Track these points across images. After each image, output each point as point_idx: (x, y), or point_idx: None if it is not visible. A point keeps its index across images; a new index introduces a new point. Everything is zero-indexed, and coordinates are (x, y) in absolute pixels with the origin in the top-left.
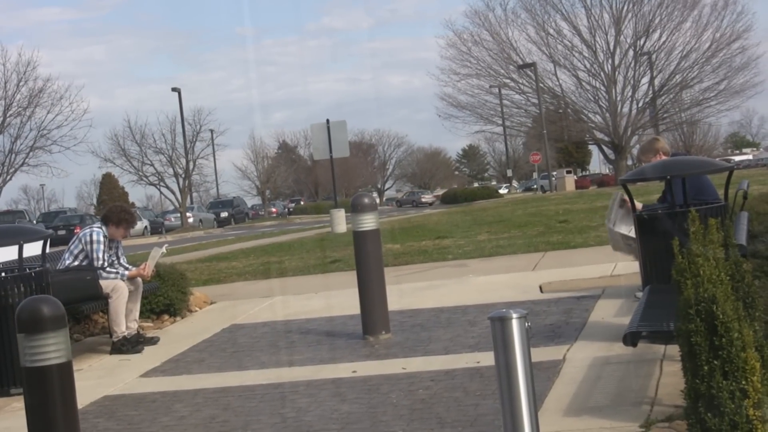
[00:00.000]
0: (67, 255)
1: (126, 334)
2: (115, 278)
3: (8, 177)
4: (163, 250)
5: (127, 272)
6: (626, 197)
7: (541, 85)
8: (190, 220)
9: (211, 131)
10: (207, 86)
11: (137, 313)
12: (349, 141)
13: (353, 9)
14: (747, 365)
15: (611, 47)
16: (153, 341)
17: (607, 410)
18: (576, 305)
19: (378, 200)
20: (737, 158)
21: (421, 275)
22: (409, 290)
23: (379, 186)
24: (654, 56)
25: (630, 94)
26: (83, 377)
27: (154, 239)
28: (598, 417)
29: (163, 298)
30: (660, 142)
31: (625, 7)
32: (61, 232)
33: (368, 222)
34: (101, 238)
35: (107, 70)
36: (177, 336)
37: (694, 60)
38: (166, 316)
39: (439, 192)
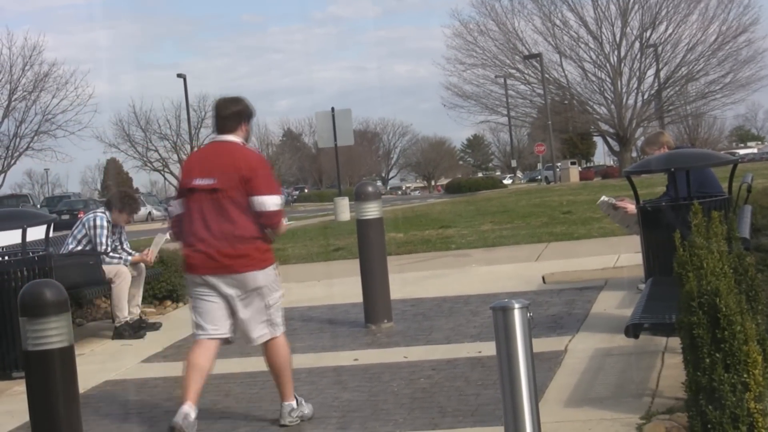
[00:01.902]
0: (70, 240)
1: (128, 319)
2: (118, 263)
3: (13, 161)
4: (167, 236)
5: (130, 257)
6: (614, 201)
7: (547, 75)
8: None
9: None
10: (212, 73)
11: (140, 299)
12: (354, 129)
13: None
14: (749, 358)
15: (617, 39)
16: (155, 327)
17: (608, 402)
18: (578, 296)
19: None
20: (742, 151)
21: (423, 264)
22: (411, 279)
23: (383, 175)
24: (660, 48)
25: (635, 86)
26: (85, 362)
27: (158, 225)
28: (599, 408)
29: (166, 284)
30: (665, 135)
31: None
32: (65, 217)
33: (372, 210)
34: (104, 223)
35: (113, 55)
36: (179, 322)
37: (700, 52)
38: (168, 302)
39: (409, 184)
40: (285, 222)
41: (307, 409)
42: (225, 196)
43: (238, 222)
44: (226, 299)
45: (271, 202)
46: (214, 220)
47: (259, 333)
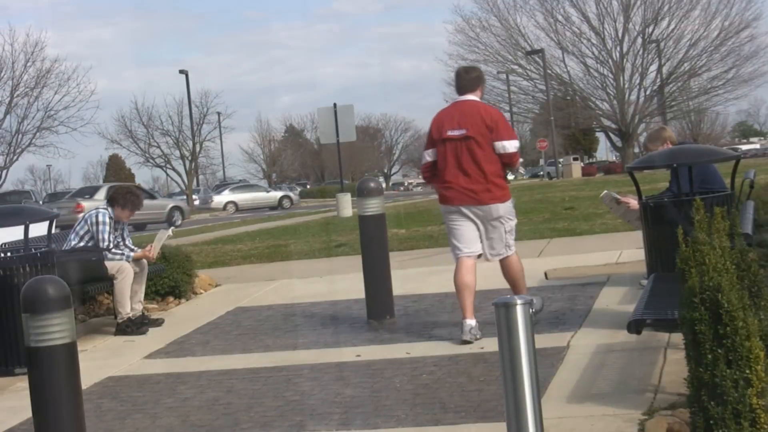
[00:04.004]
0: (72, 236)
1: (131, 315)
2: (121, 259)
3: (15, 157)
4: (170, 232)
5: (132, 254)
6: (618, 196)
7: (549, 71)
8: (196, 202)
9: (218, 114)
10: (215, 69)
11: (142, 295)
12: (356, 125)
13: None
14: (751, 354)
15: (620, 34)
16: (158, 323)
17: (611, 397)
18: (581, 292)
19: (384, 185)
20: (744, 147)
21: (426, 260)
22: (413, 275)
23: (385, 171)
24: (662, 44)
25: (638, 81)
26: (87, 358)
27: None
28: (601, 404)
29: (168, 280)
30: (667, 131)
31: None
32: None
33: (374, 206)
34: (107, 219)
35: (115, 51)
36: (181, 318)
37: (702, 48)
38: (171, 298)
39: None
40: (520, 160)
41: (541, 305)
42: (474, 142)
43: (484, 163)
44: (475, 224)
45: (510, 145)
46: (465, 162)
47: (498, 251)
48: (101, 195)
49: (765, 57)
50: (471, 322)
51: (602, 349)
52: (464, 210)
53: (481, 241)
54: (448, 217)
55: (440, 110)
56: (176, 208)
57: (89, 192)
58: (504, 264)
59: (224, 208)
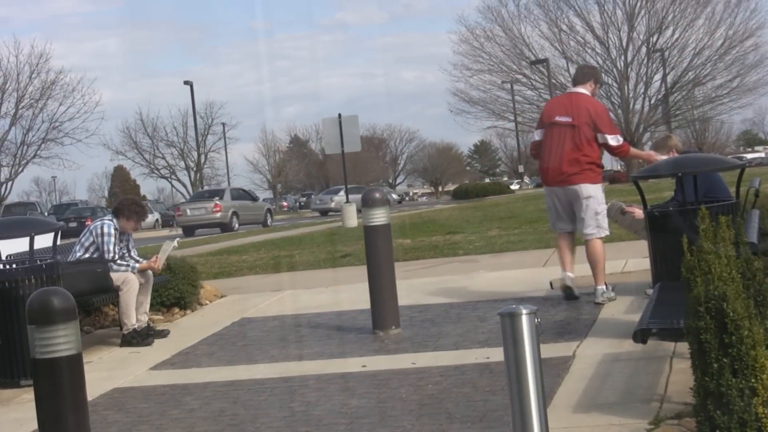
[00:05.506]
0: (77, 247)
1: (136, 326)
2: (126, 271)
3: (20, 169)
4: (175, 243)
5: (137, 265)
6: (623, 206)
7: (554, 81)
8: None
9: (223, 125)
10: (220, 80)
11: (147, 306)
12: (361, 136)
13: (367, 4)
14: (756, 363)
15: (624, 44)
16: (163, 334)
17: (617, 407)
18: (586, 301)
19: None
20: (749, 156)
21: (431, 270)
22: (419, 285)
23: (390, 181)
24: (667, 53)
25: (642, 90)
26: (93, 369)
27: (165, 232)
28: (607, 414)
29: (174, 291)
30: (673, 139)
31: (638, 4)
32: (73, 225)
33: (379, 217)
34: (112, 231)
35: (120, 62)
36: (187, 329)
37: (706, 57)
38: (176, 309)
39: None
40: (632, 151)
41: (613, 294)
42: (577, 130)
43: (583, 148)
44: (569, 203)
45: (612, 138)
46: (566, 146)
47: (590, 231)
48: (227, 196)
49: None
50: (568, 273)
51: (608, 359)
52: (558, 190)
53: (574, 220)
54: (547, 196)
55: (553, 97)
56: (269, 210)
57: (217, 194)
58: (588, 244)
59: None
